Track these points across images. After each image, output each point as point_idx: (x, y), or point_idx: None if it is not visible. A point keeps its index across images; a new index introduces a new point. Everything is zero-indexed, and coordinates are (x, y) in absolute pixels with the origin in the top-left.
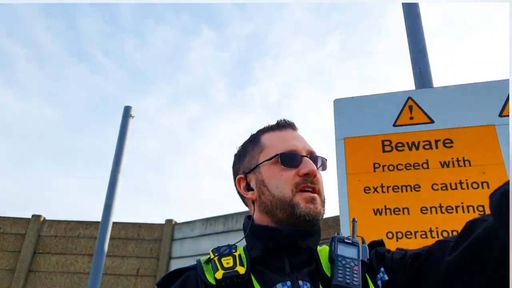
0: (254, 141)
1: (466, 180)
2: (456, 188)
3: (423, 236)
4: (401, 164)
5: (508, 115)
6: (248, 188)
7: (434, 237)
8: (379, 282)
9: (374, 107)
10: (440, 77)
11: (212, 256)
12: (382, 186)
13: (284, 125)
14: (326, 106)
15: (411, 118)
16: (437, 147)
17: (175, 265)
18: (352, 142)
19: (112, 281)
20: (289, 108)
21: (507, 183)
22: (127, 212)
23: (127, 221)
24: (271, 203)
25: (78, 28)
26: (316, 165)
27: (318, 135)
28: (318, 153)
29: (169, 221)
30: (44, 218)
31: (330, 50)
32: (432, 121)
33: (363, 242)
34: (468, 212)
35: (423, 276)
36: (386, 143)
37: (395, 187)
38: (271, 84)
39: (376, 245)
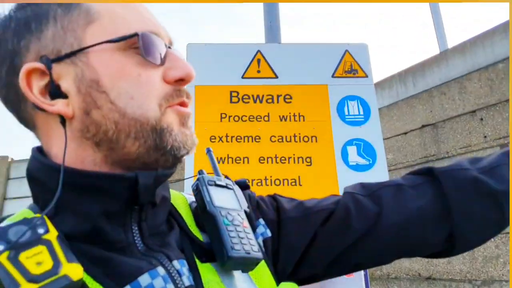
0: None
1: (299, 133)
2: (290, 141)
3: (259, 184)
4: (245, 116)
5: (339, 77)
6: (55, 92)
7: (268, 185)
8: (259, 239)
9: (226, 57)
10: (290, 33)
11: (1, 260)
12: (226, 136)
13: None
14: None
15: (258, 71)
16: (278, 102)
17: (10, 206)
18: (202, 90)
19: None
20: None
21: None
22: None
23: None
24: (115, 126)
25: None
26: None
27: None
28: None
29: (3, 158)
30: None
31: None
32: (276, 76)
33: (233, 182)
34: (298, 162)
35: (343, 239)
36: (234, 94)
37: (238, 137)
38: None
39: (241, 187)
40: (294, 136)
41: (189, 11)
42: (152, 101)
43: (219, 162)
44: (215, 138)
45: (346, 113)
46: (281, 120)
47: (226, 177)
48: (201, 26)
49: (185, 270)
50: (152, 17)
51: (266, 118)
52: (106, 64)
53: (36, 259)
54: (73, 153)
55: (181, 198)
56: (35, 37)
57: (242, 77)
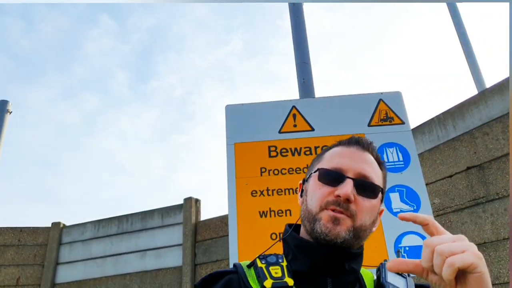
0: (323, 151)
1: None
2: None
3: None
4: (285, 169)
5: (375, 125)
6: (301, 194)
7: None
8: None
9: (262, 114)
10: (323, 87)
11: (259, 264)
12: (267, 190)
13: (350, 142)
14: (231, 103)
15: (295, 125)
16: (316, 153)
17: (63, 270)
18: (242, 147)
19: None
20: (193, 105)
21: None
22: (9, 216)
23: (4, 226)
24: (304, 213)
25: None
26: (363, 191)
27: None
28: (377, 181)
29: (56, 224)
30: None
31: (233, 49)
32: (312, 129)
33: (408, 275)
34: None
35: None
36: (272, 148)
37: (279, 190)
38: (175, 78)
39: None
40: None
41: (227, 70)
42: (317, 203)
43: (261, 216)
44: (256, 192)
45: (386, 160)
46: None
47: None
48: (238, 87)
49: None
50: (348, 159)
51: (305, 170)
52: (311, 183)
53: (275, 271)
54: (302, 226)
55: (370, 274)
56: (309, 169)
57: (279, 132)
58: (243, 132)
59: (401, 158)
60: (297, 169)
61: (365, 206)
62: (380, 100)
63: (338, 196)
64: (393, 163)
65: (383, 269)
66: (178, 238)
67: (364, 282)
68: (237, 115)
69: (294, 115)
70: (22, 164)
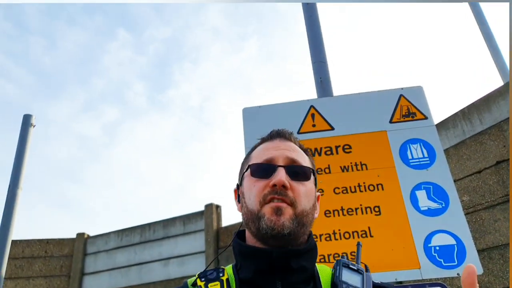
0: (248, 152)
1: (364, 183)
2: (355, 191)
3: (327, 238)
4: None
5: (397, 122)
6: (239, 199)
7: (337, 239)
8: None
9: (280, 115)
10: (340, 85)
11: (198, 283)
12: None
13: (272, 135)
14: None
15: (314, 125)
16: (337, 153)
17: (88, 281)
18: None
19: None
20: (210, 112)
21: None
22: (35, 228)
23: (32, 238)
24: (246, 216)
25: None
26: (296, 176)
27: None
28: (306, 164)
29: (80, 235)
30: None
31: (248, 55)
32: (332, 128)
33: (367, 269)
34: (366, 213)
35: None
36: None
37: None
38: (192, 87)
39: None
40: (359, 185)
41: (243, 76)
42: (256, 200)
43: None
44: None
45: (410, 157)
46: (342, 170)
47: (366, 266)
48: (254, 93)
49: None
50: (275, 149)
51: (327, 170)
52: (245, 183)
53: (214, 287)
54: (247, 230)
55: (328, 270)
56: (239, 174)
57: (298, 133)
58: (262, 135)
59: (426, 154)
60: (318, 169)
61: (301, 190)
62: (401, 95)
63: (274, 185)
64: (417, 160)
65: (338, 267)
66: (200, 245)
67: (319, 279)
68: (254, 118)
69: (313, 115)
70: (46, 177)
